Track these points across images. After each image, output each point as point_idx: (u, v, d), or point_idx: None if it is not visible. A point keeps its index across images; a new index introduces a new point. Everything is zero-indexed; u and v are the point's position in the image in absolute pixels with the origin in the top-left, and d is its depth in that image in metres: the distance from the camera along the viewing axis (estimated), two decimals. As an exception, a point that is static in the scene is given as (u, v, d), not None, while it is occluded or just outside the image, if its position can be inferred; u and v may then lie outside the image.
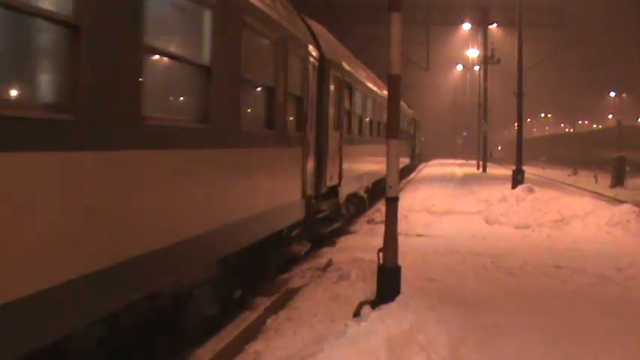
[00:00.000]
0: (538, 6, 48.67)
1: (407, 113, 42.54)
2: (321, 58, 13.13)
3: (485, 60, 49.89)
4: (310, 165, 12.34)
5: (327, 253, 13.07)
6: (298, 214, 11.54)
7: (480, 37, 54.51)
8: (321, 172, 13.11)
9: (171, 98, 6.95)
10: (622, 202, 21.28)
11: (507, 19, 48.55)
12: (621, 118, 72.23)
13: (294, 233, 11.82)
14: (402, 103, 29.54)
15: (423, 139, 78.06)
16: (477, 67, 61.83)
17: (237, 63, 7.93)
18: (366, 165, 20.23)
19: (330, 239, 15.08)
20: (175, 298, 6.90)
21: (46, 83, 4.74)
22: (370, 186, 21.70)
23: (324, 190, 13.46)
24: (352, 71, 16.79)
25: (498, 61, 48.53)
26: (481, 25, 52.00)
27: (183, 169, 6.38)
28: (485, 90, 49.94)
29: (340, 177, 15.03)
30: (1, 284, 3.84)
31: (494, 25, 52.77)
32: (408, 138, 44.22)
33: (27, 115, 4.10)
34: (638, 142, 53.60)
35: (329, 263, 11.39)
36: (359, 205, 19.76)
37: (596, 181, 38.44)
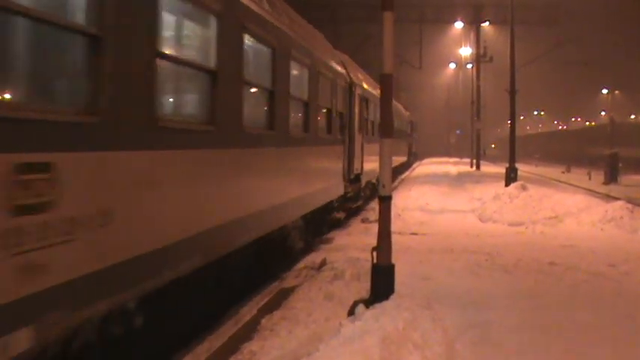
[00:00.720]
0: (530, 4, 48.75)
1: (405, 115, 47.89)
2: (350, 82, 17.66)
3: (478, 58, 49.94)
4: (345, 158, 17.01)
5: (321, 253, 13.07)
6: (341, 190, 16.56)
7: (472, 36, 54.57)
8: (350, 164, 17.45)
9: (293, 122, 11.45)
10: (615, 198, 21.34)
11: (500, 17, 48.66)
12: (614, 115, 72.48)
13: (336, 204, 16.89)
14: (399, 105, 35.29)
15: (415, 136, 78.63)
16: (469, 66, 61.87)
17: (317, 95, 13.10)
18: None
19: (324, 238, 15.20)
20: (284, 233, 11.63)
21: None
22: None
23: (351, 176, 17.80)
24: (368, 88, 21.43)
25: (491, 59, 48.56)
26: (474, 23, 52.04)
27: (292, 160, 11.37)
28: (478, 88, 49.98)
29: (362, 168, 19.37)
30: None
31: (487, 23, 52.82)
32: (407, 137, 50.17)
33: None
34: (631, 139, 53.82)
35: (323, 262, 11.39)
36: (373, 189, 23.35)
37: (590, 178, 38.55)
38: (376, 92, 22.38)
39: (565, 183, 35.56)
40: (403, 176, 43.25)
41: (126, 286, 5.40)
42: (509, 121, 28.04)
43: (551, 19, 52.43)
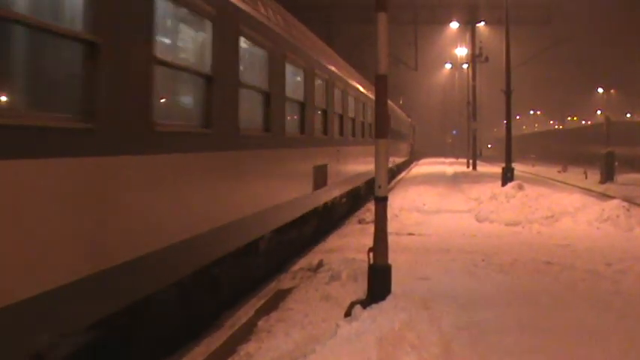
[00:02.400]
0: (525, 4, 48.87)
1: (406, 120, 53.86)
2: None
3: (474, 58, 50.03)
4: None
5: (317, 254, 13.07)
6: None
7: (467, 36, 54.66)
8: None
9: (350, 129, 18.30)
10: (611, 197, 21.36)
11: (495, 17, 48.68)
12: (610, 114, 72.52)
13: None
14: (401, 112, 46.66)
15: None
16: (465, 66, 61.96)
17: (356, 113, 18.97)
18: (393, 152, 35.90)
19: (320, 239, 15.17)
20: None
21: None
22: (395, 167, 39.82)
23: None
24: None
25: (487, 59, 48.67)
26: (469, 23, 52.19)
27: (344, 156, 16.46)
28: (474, 88, 50.12)
29: None
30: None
31: (482, 23, 52.92)
32: (408, 139, 56.76)
33: None
34: (627, 138, 53.87)
35: (320, 264, 11.40)
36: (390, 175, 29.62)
37: (586, 177, 38.58)
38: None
39: (561, 182, 35.59)
40: (400, 177, 43.34)
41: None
42: (505, 121, 28.09)
43: (546, 18, 52.53)
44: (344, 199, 18.81)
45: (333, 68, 15.78)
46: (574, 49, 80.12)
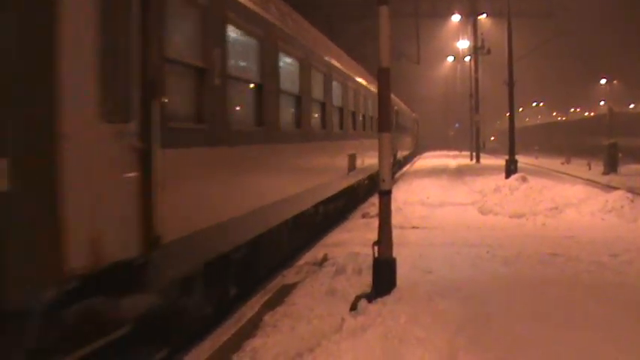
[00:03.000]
0: (527, -5, 48.76)
1: (411, 115, 57.24)
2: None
3: (476, 51, 49.92)
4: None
5: (322, 248, 13.07)
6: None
7: (469, 28, 54.56)
8: None
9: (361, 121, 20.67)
10: (615, 188, 21.32)
11: (496, 9, 48.63)
12: (613, 105, 72.40)
13: None
14: (406, 107, 46.75)
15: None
16: (467, 59, 61.84)
17: (373, 110, 20.33)
18: (401, 145, 38.63)
19: (324, 233, 15.20)
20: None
21: None
22: (401, 158, 41.45)
23: None
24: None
25: (489, 51, 48.53)
26: (470, 16, 52.06)
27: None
28: (477, 81, 50.03)
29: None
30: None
31: (484, 15, 52.82)
32: (414, 133, 60.49)
33: None
34: (630, 129, 53.79)
35: (325, 258, 11.40)
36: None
37: (590, 169, 38.53)
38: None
39: (565, 174, 35.54)
40: (403, 170, 43.34)
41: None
42: (508, 113, 28.05)
43: (548, 10, 52.41)
44: (366, 182, 22.86)
45: (360, 80, 20.66)
46: (577, 40, 79.90)
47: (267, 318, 8.07)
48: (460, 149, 80.00)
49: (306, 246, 13.63)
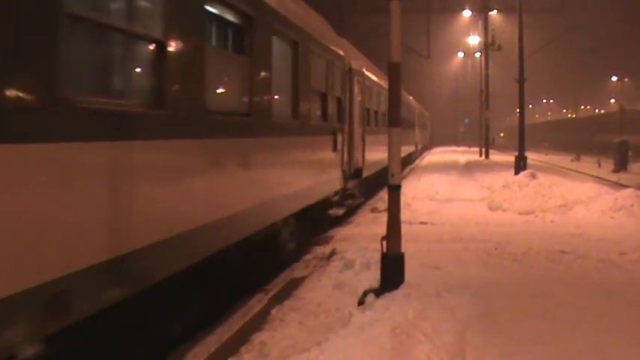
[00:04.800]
0: (538, -9, 48.56)
1: (425, 114, 62.78)
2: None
3: (486, 47, 49.73)
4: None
5: (330, 243, 13.09)
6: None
7: (480, 24, 54.36)
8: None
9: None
10: (625, 186, 21.26)
11: (508, 5, 48.43)
12: (623, 103, 72.03)
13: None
14: (419, 106, 51.52)
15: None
16: (478, 54, 61.65)
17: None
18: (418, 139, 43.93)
19: (333, 228, 15.23)
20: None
21: None
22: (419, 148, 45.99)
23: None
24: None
25: (499, 47, 48.31)
26: (481, 11, 51.86)
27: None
28: (487, 77, 49.82)
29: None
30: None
31: (495, 11, 52.62)
32: (427, 129, 68.23)
33: None
34: (641, 126, 53.49)
35: (333, 252, 11.41)
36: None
37: (599, 166, 38.42)
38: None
39: (575, 171, 35.45)
40: (413, 165, 43.34)
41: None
42: (518, 110, 27.96)
43: (559, 6, 52.17)
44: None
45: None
46: (587, 37, 79.39)
47: (274, 312, 8.08)
48: (469, 145, 79.81)
49: (315, 240, 13.63)
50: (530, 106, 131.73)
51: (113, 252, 5.05)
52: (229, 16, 8.01)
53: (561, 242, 12.73)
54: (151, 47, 5.90)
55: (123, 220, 5.24)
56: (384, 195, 18.73)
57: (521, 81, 26.77)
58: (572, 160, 47.39)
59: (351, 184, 17.04)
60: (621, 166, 35.08)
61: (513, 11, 35.82)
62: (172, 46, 6.03)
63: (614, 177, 30.62)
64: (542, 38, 52.71)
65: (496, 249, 12.02)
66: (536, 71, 56.51)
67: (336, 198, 15.64)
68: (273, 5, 9.55)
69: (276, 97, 9.70)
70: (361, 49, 23.63)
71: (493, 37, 49.05)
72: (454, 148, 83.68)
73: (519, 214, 17.14)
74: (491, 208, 18.38)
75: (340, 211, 15.97)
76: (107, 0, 5.66)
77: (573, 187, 19.56)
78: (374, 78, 21.59)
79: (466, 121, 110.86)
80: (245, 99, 8.43)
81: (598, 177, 29.97)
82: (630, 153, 36.47)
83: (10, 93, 3.96)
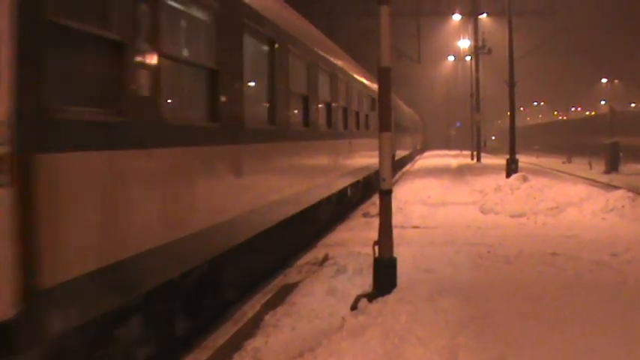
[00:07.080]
0: (528, -6, 48.73)
1: (417, 119, 64.47)
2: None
3: (477, 50, 49.86)
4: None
5: (323, 248, 13.07)
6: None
7: (470, 28, 54.51)
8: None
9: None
10: (616, 187, 21.32)
11: (497, 8, 48.59)
12: (614, 104, 72.26)
13: None
14: (412, 111, 54.70)
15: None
16: (468, 58, 61.80)
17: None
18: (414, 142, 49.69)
19: (325, 233, 15.20)
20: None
21: None
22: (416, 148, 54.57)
23: None
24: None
25: (490, 51, 48.44)
26: (471, 15, 51.98)
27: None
28: (477, 80, 49.94)
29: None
30: None
31: (485, 15, 52.76)
32: (421, 133, 70.72)
33: None
34: (632, 128, 53.72)
35: (325, 258, 11.40)
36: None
37: (591, 168, 38.54)
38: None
39: (566, 173, 35.54)
40: (404, 169, 43.37)
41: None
42: (509, 113, 28.04)
43: (546, 9, 52.36)
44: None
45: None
46: (577, 39, 79.78)
47: (268, 317, 8.08)
48: (461, 149, 79.96)
49: (307, 245, 13.62)
50: (522, 108, 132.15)
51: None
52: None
53: (553, 244, 12.75)
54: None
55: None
56: (375, 200, 18.72)
57: (511, 84, 26.85)
58: (563, 162, 47.53)
59: None
60: (612, 167, 35.19)
61: (503, 15, 35.85)
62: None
63: (606, 178, 30.72)
64: (533, 41, 52.93)
65: (488, 252, 12.03)
66: (527, 74, 56.73)
67: None
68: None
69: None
70: (351, 53, 23.57)
71: (483, 40, 49.19)
72: (446, 151, 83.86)
73: (511, 216, 17.17)
74: (483, 212, 18.42)
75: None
76: None
77: (565, 189, 19.61)
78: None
79: (458, 124, 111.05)
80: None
81: (589, 179, 30.07)
82: (621, 154, 36.57)
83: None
